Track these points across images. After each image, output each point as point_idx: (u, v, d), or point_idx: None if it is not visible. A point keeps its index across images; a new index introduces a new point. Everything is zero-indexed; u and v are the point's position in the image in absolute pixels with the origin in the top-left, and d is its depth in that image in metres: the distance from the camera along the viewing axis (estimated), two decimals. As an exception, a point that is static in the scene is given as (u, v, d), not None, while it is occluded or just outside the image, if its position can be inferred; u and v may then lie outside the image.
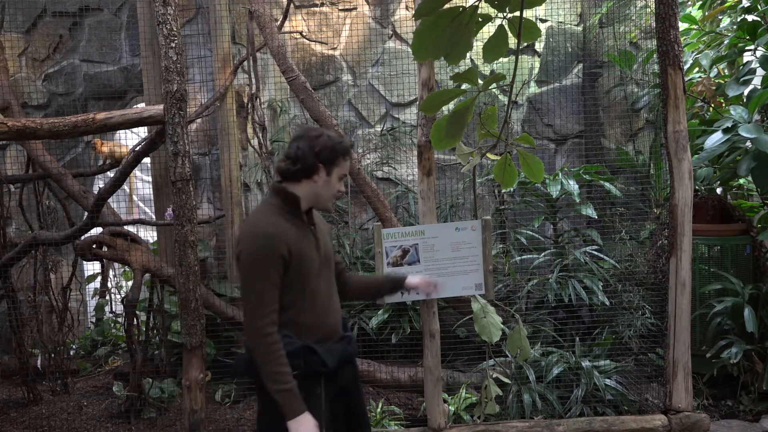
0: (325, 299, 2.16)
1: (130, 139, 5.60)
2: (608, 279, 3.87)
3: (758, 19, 3.91)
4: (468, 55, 4.77)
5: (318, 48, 5.03)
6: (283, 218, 2.06)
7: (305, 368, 2.04)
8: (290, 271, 2.02)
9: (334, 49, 5.07)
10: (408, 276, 2.62)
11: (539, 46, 5.02)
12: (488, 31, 1.56)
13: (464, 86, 1.84)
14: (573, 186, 3.88)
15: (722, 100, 4.10)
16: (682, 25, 4.21)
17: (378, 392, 3.91)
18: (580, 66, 5.03)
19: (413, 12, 3.28)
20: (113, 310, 4.84)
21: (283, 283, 2.02)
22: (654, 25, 3.25)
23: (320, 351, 2.08)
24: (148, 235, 5.66)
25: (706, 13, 4.40)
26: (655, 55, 3.59)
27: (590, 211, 3.93)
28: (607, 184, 4.01)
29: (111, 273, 4.88)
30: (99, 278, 4.81)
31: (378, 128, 5.05)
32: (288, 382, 1.96)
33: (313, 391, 2.07)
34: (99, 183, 5.26)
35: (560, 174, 3.98)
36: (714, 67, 4.18)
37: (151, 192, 4.38)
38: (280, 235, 2.01)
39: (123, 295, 4.26)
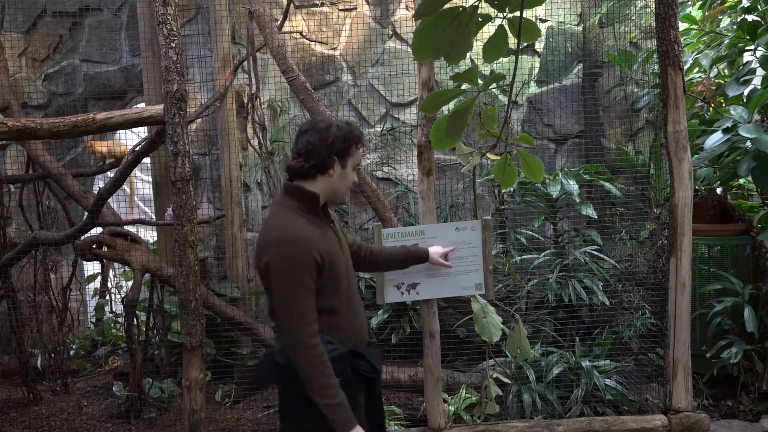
0: (356, 300, 2.09)
1: (130, 139, 5.61)
2: (608, 279, 3.87)
3: (758, 19, 3.90)
4: (468, 55, 4.77)
5: (318, 48, 5.03)
6: (306, 220, 1.96)
7: (351, 374, 1.97)
8: (323, 274, 1.93)
9: (334, 49, 5.07)
10: (430, 252, 2.64)
11: (539, 46, 5.02)
12: (488, 31, 1.56)
13: (464, 86, 1.83)
14: (573, 186, 3.88)
15: (722, 100, 4.10)
16: (682, 25, 4.21)
17: (378, 392, 3.91)
18: (580, 66, 5.03)
19: (413, 12, 3.28)
20: (113, 310, 4.84)
21: (317, 288, 1.92)
22: (654, 25, 3.25)
23: (367, 355, 2.02)
24: (148, 235, 5.66)
25: (706, 13, 4.40)
26: (655, 55, 3.59)
27: (590, 211, 3.93)
28: (607, 184, 4.01)
29: (111, 273, 4.89)
30: (99, 278, 4.82)
31: (378, 128, 5.05)
32: (338, 395, 1.87)
33: (356, 399, 1.99)
34: (99, 183, 5.26)
35: (560, 174, 3.98)
36: (714, 67, 4.18)
37: (151, 192, 4.38)
38: (309, 238, 1.90)
39: (123, 295, 4.27)
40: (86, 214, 3.83)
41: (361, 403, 2.02)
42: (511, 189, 4.12)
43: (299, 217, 1.96)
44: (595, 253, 3.96)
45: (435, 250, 2.70)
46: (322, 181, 2.02)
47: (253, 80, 4.12)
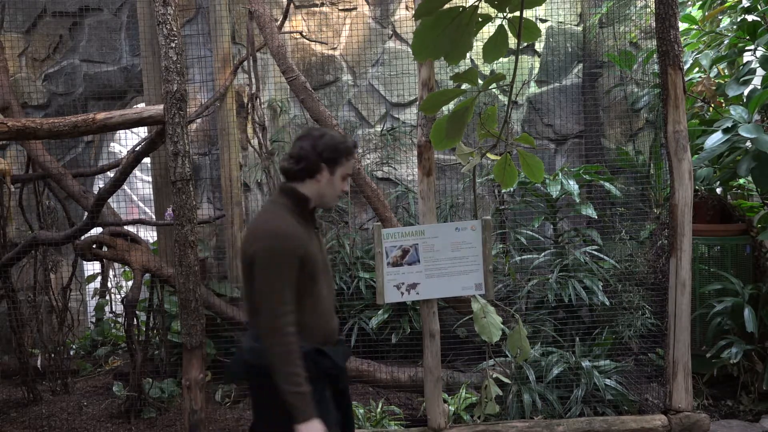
0: (327, 302, 2.16)
1: (130, 139, 5.61)
2: (608, 279, 3.87)
3: (758, 19, 3.90)
4: (468, 55, 4.77)
5: (318, 48, 5.03)
6: (294, 218, 2.06)
7: (315, 371, 2.02)
8: (302, 272, 2.01)
9: (334, 49, 5.07)
10: None
11: (539, 46, 5.02)
12: (488, 31, 1.56)
13: (464, 86, 1.84)
14: (573, 186, 3.88)
15: (722, 100, 4.10)
16: (682, 25, 4.21)
17: (378, 392, 3.91)
18: (580, 66, 5.03)
19: (413, 12, 3.28)
20: (113, 310, 4.84)
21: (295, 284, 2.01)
22: (654, 25, 3.25)
23: (330, 353, 2.07)
24: (148, 235, 5.66)
25: (706, 13, 4.40)
26: (655, 55, 3.59)
27: (590, 211, 3.92)
28: (607, 184, 4.00)
29: (111, 273, 4.88)
30: (99, 278, 4.82)
31: (378, 128, 5.05)
32: (303, 384, 1.93)
33: (323, 394, 2.05)
34: (99, 183, 5.26)
35: (560, 174, 3.98)
36: (714, 67, 4.18)
37: (151, 192, 4.38)
38: (296, 235, 2.00)
39: (123, 295, 4.26)
40: (86, 214, 3.83)
41: (327, 398, 2.09)
42: (511, 189, 4.12)
43: (288, 215, 2.06)
44: (595, 253, 3.95)
45: None
46: (311, 185, 2.12)
47: (253, 80, 4.13)
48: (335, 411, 2.11)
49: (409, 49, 4.12)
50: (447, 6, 1.42)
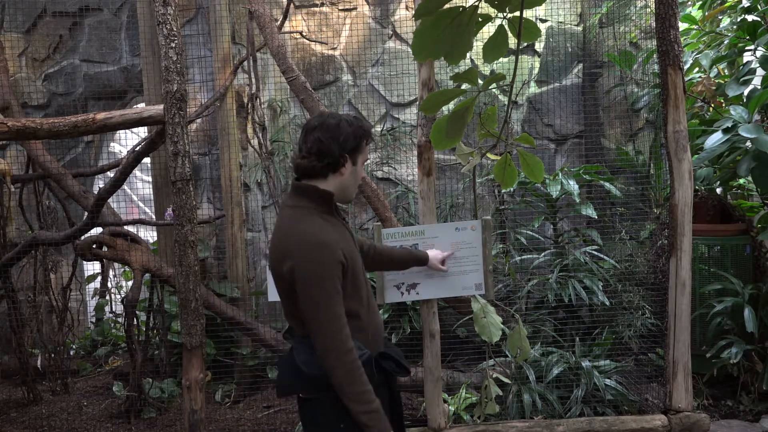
0: (372, 298, 2.05)
1: (130, 139, 5.61)
2: (608, 279, 3.87)
3: (758, 19, 3.90)
4: (468, 55, 4.77)
5: (318, 48, 5.03)
6: (323, 220, 1.90)
7: (378, 377, 1.92)
8: (347, 276, 1.87)
9: (334, 49, 5.07)
10: (430, 257, 2.66)
11: (539, 46, 5.02)
12: (488, 31, 1.56)
13: (464, 86, 1.83)
14: (573, 186, 3.88)
15: (722, 100, 4.10)
16: (682, 25, 4.21)
17: (378, 392, 3.90)
18: (580, 66, 5.03)
19: (413, 12, 3.28)
20: (113, 310, 4.84)
21: (343, 290, 1.86)
22: (654, 25, 3.25)
23: (393, 354, 1.99)
24: (148, 235, 5.66)
25: (706, 13, 4.40)
26: (655, 55, 3.59)
27: (590, 211, 3.93)
28: (607, 184, 4.00)
29: (111, 273, 4.89)
30: (99, 278, 4.82)
31: (378, 128, 5.05)
32: (374, 401, 1.83)
33: (383, 401, 1.94)
34: (99, 183, 5.26)
35: (560, 174, 3.98)
36: (714, 67, 4.18)
37: (151, 192, 4.38)
38: (333, 240, 1.84)
39: (123, 295, 4.27)
40: (86, 214, 3.83)
41: (385, 404, 1.97)
42: (511, 189, 4.12)
43: (317, 218, 1.89)
44: (595, 253, 3.96)
45: (434, 255, 2.71)
46: (334, 180, 1.94)
47: (253, 80, 4.13)
48: (389, 418, 2.00)
49: (409, 49, 4.12)
50: (447, 6, 1.42)
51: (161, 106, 3.14)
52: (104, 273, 4.72)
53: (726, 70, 4.37)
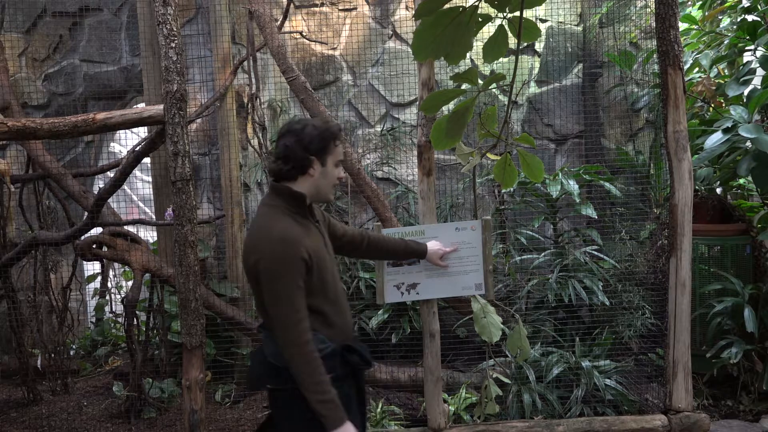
0: (342, 297, 2.13)
1: (130, 139, 5.61)
2: (608, 279, 3.87)
3: (758, 19, 3.91)
4: (468, 55, 4.77)
5: (318, 48, 5.03)
6: (292, 219, 2.00)
7: (343, 369, 2.00)
8: (312, 273, 1.96)
9: (334, 49, 5.07)
10: (429, 250, 2.70)
11: (539, 46, 5.02)
12: (488, 31, 1.56)
13: (464, 86, 1.83)
14: (573, 186, 3.88)
15: (722, 100, 4.10)
16: (682, 25, 4.21)
17: (378, 392, 3.91)
18: (580, 66, 5.03)
19: (413, 12, 3.28)
20: (113, 310, 4.84)
21: (307, 287, 1.95)
22: (654, 25, 3.25)
23: (358, 348, 2.06)
24: (148, 235, 5.66)
25: (706, 13, 4.40)
26: (655, 55, 3.59)
27: (590, 211, 3.93)
28: (607, 184, 4.01)
29: (111, 273, 4.88)
30: (99, 278, 4.82)
31: (378, 128, 5.05)
32: (330, 391, 1.91)
33: (349, 392, 2.03)
34: (99, 183, 5.26)
35: (560, 174, 3.98)
36: (714, 67, 4.18)
37: (151, 192, 4.38)
38: (297, 237, 1.94)
39: (123, 295, 4.26)
40: (86, 214, 3.83)
41: (352, 397, 2.07)
42: (511, 189, 4.12)
43: (286, 217, 2.00)
44: (595, 253, 3.96)
45: (434, 250, 2.73)
46: (305, 182, 2.05)
47: (253, 80, 4.12)
48: (357, 410, 2.09)
49: (409, 49, 4.12)
50: (447, 6, 1.42)
51: (161, 106, 3.13)
52: (104, 273, 4.72)
53: (726, 70, 4.37)
